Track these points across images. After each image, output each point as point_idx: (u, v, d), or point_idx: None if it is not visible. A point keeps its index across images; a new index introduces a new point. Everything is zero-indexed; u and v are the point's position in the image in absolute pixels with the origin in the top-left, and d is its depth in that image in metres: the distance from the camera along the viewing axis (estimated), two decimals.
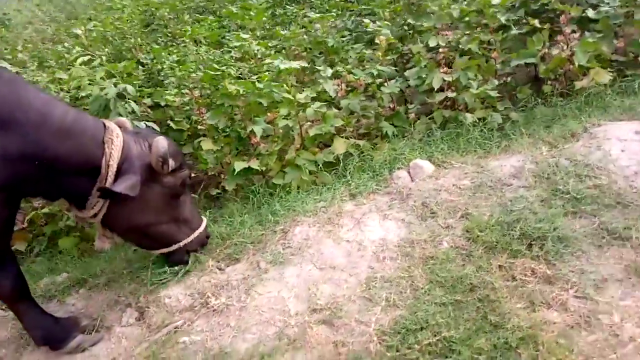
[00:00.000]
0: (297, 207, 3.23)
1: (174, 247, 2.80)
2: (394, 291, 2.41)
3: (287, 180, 3.49)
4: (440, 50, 3.80)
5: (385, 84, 3.96)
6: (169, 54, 4.85)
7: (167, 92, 4.08)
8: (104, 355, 2.49)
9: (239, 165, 3.35)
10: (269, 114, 3.59)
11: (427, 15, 3.86)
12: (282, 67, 3.42)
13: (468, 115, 3.65)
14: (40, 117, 2.27)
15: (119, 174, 2.44)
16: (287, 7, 6.78)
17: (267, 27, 5.87)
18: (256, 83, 3.40)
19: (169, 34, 6.60)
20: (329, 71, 3.78)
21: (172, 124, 3.96)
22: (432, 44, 3.78)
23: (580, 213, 2.61)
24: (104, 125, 2.52)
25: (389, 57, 4.11)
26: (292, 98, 3.43)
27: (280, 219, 3.17)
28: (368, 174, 3.47)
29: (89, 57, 4.45)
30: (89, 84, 3.56)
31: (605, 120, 3.37)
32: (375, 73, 3.77)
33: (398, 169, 3.43)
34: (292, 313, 2.44)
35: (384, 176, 3.40)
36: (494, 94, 3.64)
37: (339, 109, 3.88)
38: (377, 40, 3.87)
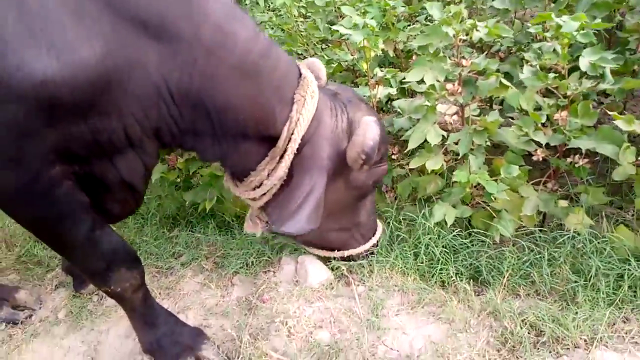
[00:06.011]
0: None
1: (332, 254, 2.17)
2: None
3: None
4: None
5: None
6: None
7: None
8: None
9: None
10: None
11: None
12: None
13: None
14: (218, 37, 1.42)
15: (299, 154, 1.64)
16: None
17: None
18: None
19: None
20: None
21: None
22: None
23: None
24: (299, 72, 1.66)
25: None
26: None
27: None
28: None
29: None
30: None
31: None
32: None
33: (290, 254, 2.39)
34: None
35: (268, 254, 2.41)
36: None
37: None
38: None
